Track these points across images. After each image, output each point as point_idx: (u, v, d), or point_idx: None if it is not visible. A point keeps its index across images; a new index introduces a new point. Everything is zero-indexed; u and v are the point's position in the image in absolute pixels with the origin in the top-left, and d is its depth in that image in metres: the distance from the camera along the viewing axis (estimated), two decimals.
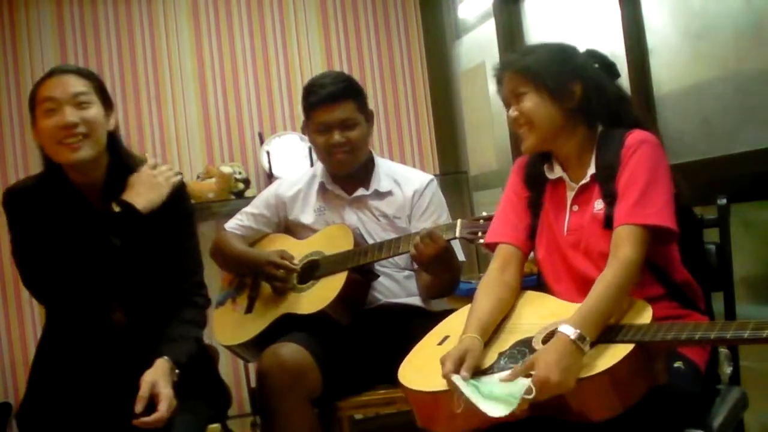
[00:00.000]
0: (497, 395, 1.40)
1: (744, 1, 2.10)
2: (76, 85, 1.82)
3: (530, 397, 1.35)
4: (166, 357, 1.76)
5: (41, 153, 1.87)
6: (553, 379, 1.35)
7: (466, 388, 1.42)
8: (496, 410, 1.36)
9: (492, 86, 3.43)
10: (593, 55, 1.75)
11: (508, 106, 1.74)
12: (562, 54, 1.71)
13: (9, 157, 3.56)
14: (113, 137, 1.90)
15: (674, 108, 2.39)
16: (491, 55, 3.42)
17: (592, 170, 1.67)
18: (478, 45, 3.62)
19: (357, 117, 2.32)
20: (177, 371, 1.76)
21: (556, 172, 1.74)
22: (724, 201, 1.75)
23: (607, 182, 1.63)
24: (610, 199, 1.61)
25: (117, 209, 1.81)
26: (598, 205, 1.65)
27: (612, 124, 1.70)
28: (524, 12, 3.29)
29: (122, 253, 1.80)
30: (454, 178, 3.81)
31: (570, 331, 1.40)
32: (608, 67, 1.75)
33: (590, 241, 1.65)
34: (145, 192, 1.85)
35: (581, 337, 1.40)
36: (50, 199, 1.85)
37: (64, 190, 1.86)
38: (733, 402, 1.61)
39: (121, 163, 1.90)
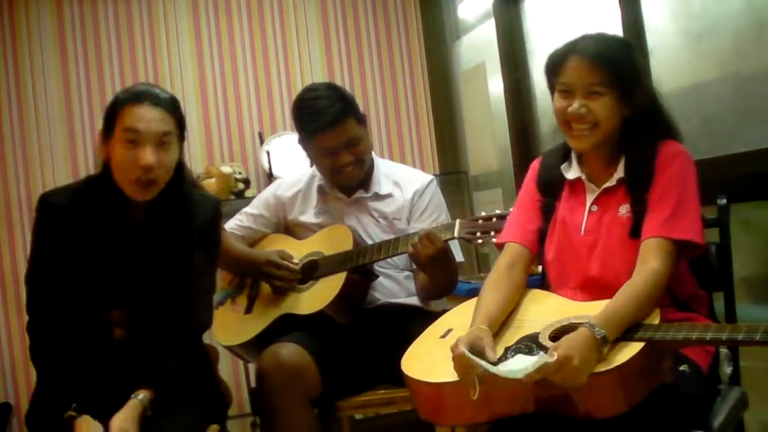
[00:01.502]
0: (502, 369, 1.42)
1: (744, 1, 2.10)
2: (164, 124, 1.77)
3: (552, 360, 1.34)
4: (141, 396, 1.75)
5: (100, 159, 1.85)
6: (575, 361, 1.35)
7: (482, 361, 1.42)
8: (514, 374, 1.37)
9: (492, 86, 3.49)
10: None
11: (566, 93, 1.62)
12: (634, 54, 1.64)
13: (9, 157, 3.56)
14: (178, 165, 1.87)
15: (674, 108, 2.36)
16: (491, 55, 3.42)
17: (620, 174, 1.64)
18: (478, 45, 3.62)
19: (359, 132, 2.28)
20: (149, 413, 1.75)
21: (575, 173, 1.72)
22: (724, 201, 1.75)
23: (637, 191, 1.61)
24: (641, 208, 1.60)
25: None
26: (624, 209, 1.63)
27: (643, 127, 1.66)
28: (524, 12, 3.29)
29: (141, 265, 1.82)
30: (454, 178, 3.81)
31: (595, 329, 1.40)
32: None
33: (609, 245, 1.63)
34: None
35: (603, 338, 1.40)
36: (88, 210, 1.83)
37: (108, 198, 1.83)
38: (733, 402, 1.61)
39: (177, 186, 1.87)
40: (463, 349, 1.46)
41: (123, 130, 1.76)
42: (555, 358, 1.35)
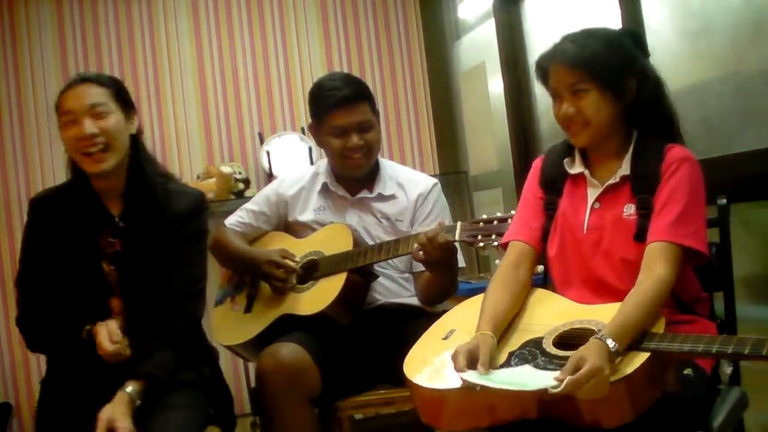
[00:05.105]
0: (514, 382, 1.40)
1: (743, 0, 2.10)
2: (94, 95, 1.86)
3: (585, 370, 1.31)
4: (129, 389, 1.76)
5: (68, 159, 1.94)
6: (607, 371, 1.33)
7: (483, 380, 1.42)
8: (532, 384, 1.36)
9: (492, 86, 3.49)
10: (630, 35, 1.71)
11: (556, 97, 1.67)
12: (618, 45, 1.65)
13: (9, 157, 3.56)
14: (135, 140, 1.95)
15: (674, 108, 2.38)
16: (491, 55, 3.42)
17: (624, 171, 1.64)
18: (478, 45, 3.62)
19: (372, 119, 2.32)
20: (138, 402, 1.76)
21: (578, 168, 1.72)
22: (724, 201, 1.75)
23: (643, 193, 1.61)
24: (646, 212, 1.59)
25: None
26: (629, 209, 1.62)
27: (648, 127, 1.67)
28: (524, 12, 3.29)
29: (128, 258, 1.85)
30: (454, 178, 3.81)
31: (609, 342, 1.38)
32: (641, 44, 1.70)
33: (613, 245, 1.63)
34: None
35: (616, 350, 1.38)
36: (71, 208, 1.90)
37: (86, 198, 1.90)
38: (733, 402, 1.61)
39: (140, 167, 1.94)
40: (461, 368, 1.45)
41: (60, 115, 1.87)
42: (560, 388, 1.32)
